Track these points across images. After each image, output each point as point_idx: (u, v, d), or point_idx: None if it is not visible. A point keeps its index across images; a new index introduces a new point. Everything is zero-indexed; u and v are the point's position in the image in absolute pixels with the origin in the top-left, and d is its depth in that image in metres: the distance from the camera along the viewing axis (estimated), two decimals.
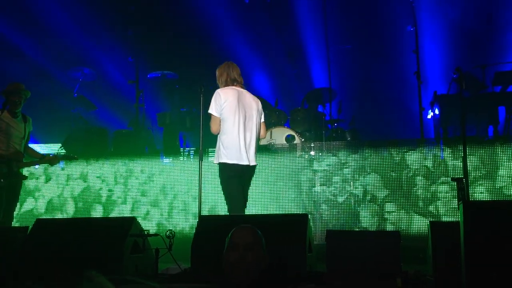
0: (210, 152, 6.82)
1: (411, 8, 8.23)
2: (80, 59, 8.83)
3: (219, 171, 4.89)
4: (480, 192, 5.81)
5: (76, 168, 6.88)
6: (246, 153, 4.82)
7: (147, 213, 6.66)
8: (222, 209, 6.40)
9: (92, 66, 8.58)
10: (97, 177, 6.85)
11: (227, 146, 4.82)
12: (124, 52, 8.78)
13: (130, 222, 4.18)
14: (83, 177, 6.88)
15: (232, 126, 4.83)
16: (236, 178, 4.82)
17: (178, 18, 9.02)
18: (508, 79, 7.27)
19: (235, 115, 4.83)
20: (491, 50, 7.77)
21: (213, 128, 4.90)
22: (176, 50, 8.95)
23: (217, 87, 5.04)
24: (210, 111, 4.89)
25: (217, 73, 5.08)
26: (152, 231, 4.37)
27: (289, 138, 7.13)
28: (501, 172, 5.80)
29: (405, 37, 8.26)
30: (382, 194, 6.07)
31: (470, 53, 7.78)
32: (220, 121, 4.87)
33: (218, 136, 4.92)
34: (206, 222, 4.23)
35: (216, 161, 4.91)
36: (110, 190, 6.79)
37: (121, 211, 6.68)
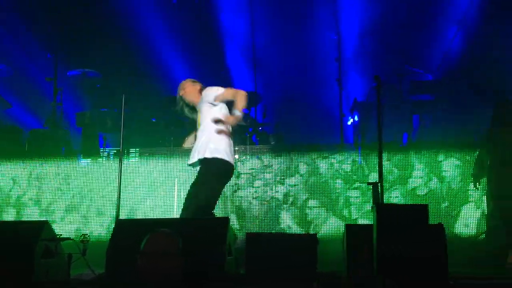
0: (131, 153, 6.68)
1: (335, 17, 8.48)
2: None
3: (215, 165, 4.56)
4: (395, 196, 6.05)
5: None
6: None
7: (63, 216, 6.41)
8: (141, 212, 6.28)
9: (7, 61, 8.18)
10: (10, 178, 6.52)
11: (231, 144, 4.67)
12: (43, 48, 8.43)
13: (41, 226, 4.02)
14: None
15: None
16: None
17: (102, 15, 8.77)
18: (423, 88, 7.64)
19: None
20: (408, 60, 8.12)
21: None
22: (98, 48, 8.68)
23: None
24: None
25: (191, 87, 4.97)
26: (68, 236, 4.22)
27: None
28: (414, 176, 6.07)
29: (329, 45, 8.50)
30: (303, 197, 6.19)
31: (389, 63, 8.09)
32: None
33: (212, 130, 4.61)
34: (123, 226, 4.13)
35: (210, 156, 4.56)
36: (23, 192, 6.48)
37: (35, 214, 6.39)
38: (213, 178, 4.53)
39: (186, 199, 4.56)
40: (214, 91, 4.67)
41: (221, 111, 4.66)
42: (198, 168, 4.67)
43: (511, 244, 5.31)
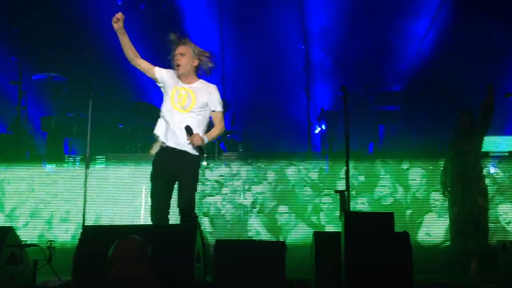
0: (98, 159, 6.60)
1: (302, 27, 8.60)
2: None
3: (199, 166, 4.40)
4: (361, 203, 6.16)
5: None
6: None
7: (27, 223, 6.28)
8: (107, 219, 6.21)
9: None
10: None
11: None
12: (7, 50, 8.25)
13: (6, 232, 3.94)
14: None
15: None
16: None
17: (69, 19, 8.66)
18: (389, 99, 7.81)
19: None
20: (375, 71, 8.29)
21: None
22: (64, 52, 8.55)
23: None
24: (222, 108, 4.47)
25: (200, 49, 4.41)
26: (32, 242, 4.14)
27: None
28: (380, 185, 6.20)
29: (297, 54, 8.59)
30: (271, 204, 6.23)
31: (356, 73, 8.24)
32: None
33: (202, 129, 4.36)
34: (90, 232, 4.07)
35: (197, 153, 4.33)
36: None
37: None
38: (196, 181, 4.37)
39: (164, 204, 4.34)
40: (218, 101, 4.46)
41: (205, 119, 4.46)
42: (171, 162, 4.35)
43: (472, 250, 5.46)
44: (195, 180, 4.34)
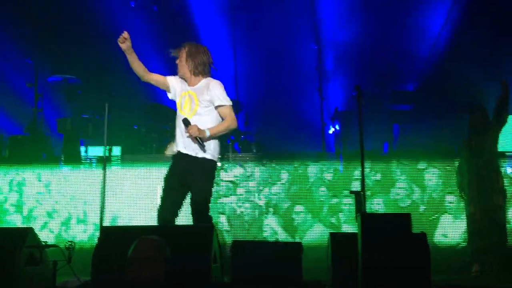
0: (113, 160, 6.65)
1: (315, 26, 8.59)
2: None
3: (211, 169, 4.33)
4: (376, 204, 6.14)
5: None
6: None
7: (45, 223, 6.34)
8: (123, 219, 6.25)
9: None
10: None
11: (219, 144, 4.38)
12: (23, 53, 8.34)
13: (26, 233, 3.98)
14: None
15: None
16: None
17: (82, 21, 8.73)
18: (403, 98, 7.78)
19: None
20: (388, 70, 8.26)
21: (236, 119, 4.39)
22: (79, 54, 8.63)
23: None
24: (230, 102, 4.34)
25: (193, 49, 4.39)
26: (50, 243, 4.18)
27: None
28: (395, 185, 6.17)
29: (309, 54, 8.58)
30: (286, 205, 6.23)
31: (369, 72, 8.22)
32: None
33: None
34: (108, 233, 4.11)
35: (208, 156, 4.29)
36: (4, 199, 6.39)
37: (17, 221, 6.31)
38: (209, 183, 4.34)
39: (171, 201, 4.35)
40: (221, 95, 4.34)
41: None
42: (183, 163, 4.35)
43: (488, 249, 5.39)
44: (206, 184, 4.28)
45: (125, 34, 4.26)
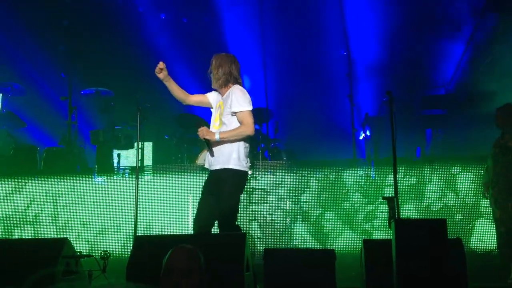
0: (146, 170, 6.74)
1: (344, 33, 8.56)
2: (9, 74, 8.51)
3: (236, 179, 4.26)
4: (408, 210, 6.05)
5: (4, 187, 6.58)
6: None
7: (79, 234, 6.45)
8: (156, 229, 6.31)
9: (22, 81, 8.30)
10: (27, 196, 6.59)
11: (247, 153, 4.31)
12: (56, 67, 8.55)
13: (62, 243, 4.04)
14: (10, 197, 6.58)
15: None
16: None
17: (113, 34, 8.90)
18: (434, 103, 7.68)
19: None
20: (419, 75, 8.16)
21: (253, 125, 4.23)
22: (111, 67, 8.81)
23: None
24: (248, 107, 4.21)
25: (220, 59, 4.35)
26: (84, 253, 4.23)
27: None
28: (428, 190, 6.07)
29: (339, 61, 8.56)
30: (316, 212, 6.20)
31: (400, 77, 8.13)
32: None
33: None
34: (142, 242, 4.15)
35: (229, 166, 4.24)
36: (40, 210, 6.54)
37: (52, 231, 6.44)
38: (234, 193, 4.31)
39: (204, 211, 4.34)
40: (236, 100, 4.24)
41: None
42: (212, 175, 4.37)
43: None
44: (229, 194, 4.25)
45: (161, 64, 4.26)
